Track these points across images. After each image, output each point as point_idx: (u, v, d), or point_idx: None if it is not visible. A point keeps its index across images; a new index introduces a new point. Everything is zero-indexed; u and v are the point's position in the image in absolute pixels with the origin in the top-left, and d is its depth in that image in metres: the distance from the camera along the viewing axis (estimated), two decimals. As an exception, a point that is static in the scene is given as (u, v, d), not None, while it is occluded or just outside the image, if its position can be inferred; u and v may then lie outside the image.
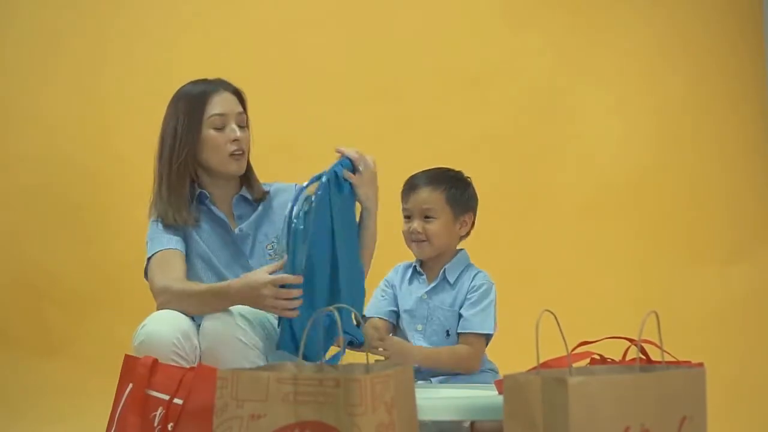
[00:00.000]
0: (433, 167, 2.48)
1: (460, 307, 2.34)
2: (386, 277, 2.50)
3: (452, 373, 2.30)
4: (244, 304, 2.11)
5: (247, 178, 2.44)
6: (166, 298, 2.20)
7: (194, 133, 2.33)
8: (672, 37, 3.67)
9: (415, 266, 2.45)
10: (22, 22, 3.66)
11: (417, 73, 3.63)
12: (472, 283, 2.36)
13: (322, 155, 3.68)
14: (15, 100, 3.65)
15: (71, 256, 3.55)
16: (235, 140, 2.35)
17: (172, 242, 2.32)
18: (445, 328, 2.33)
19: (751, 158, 3.64)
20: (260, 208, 2.42)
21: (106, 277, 3.51)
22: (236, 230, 2.38)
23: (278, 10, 3.69)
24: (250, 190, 2.44)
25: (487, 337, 2.34)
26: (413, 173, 2.47)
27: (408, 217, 2.41)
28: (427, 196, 2.38)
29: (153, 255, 2.31)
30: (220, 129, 2.34)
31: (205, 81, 2.41)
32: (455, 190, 2.41)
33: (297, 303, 2.04)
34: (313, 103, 3.60)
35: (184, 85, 2.42)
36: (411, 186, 2.42)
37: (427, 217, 2.37)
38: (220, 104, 2.35)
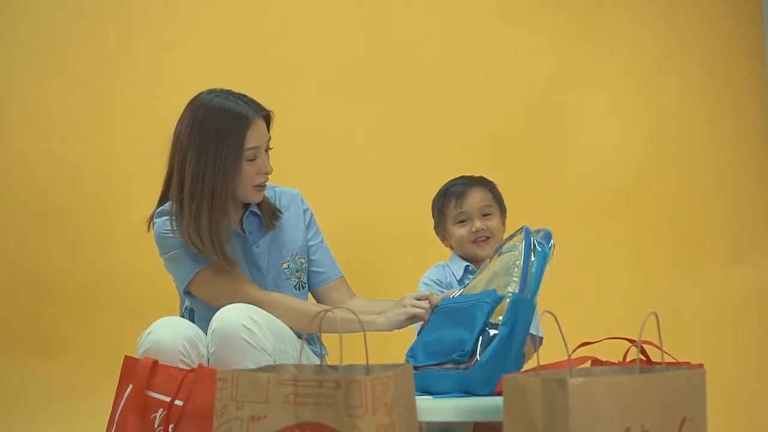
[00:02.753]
0: (460, 175, 2.55)
1: None
2: (432, 277, 2.50)
3: None
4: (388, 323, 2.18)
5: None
6: (278, 312, 2.19)
7: (236, 168, 2.25)
8: (672, 37, 3.67)
9: (467, 266, 2.47)
10: (21, 22, 3.66)
11: (417, 73, 3.63)
12: None
13: (322, 155, 3.69)
14: (14, 101, 3.64)
15: (70, 257, 3.54)
16: (265, 173, 2.32)
17: (203, 260, 2.27)
18: None
19: (751, 159, 3.64)
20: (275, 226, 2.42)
21: (104, 279, 3.51)
22: (254, 246, 2.38)
23: (277, 11, 3.68)
24: (259, 206, 2.40)
25: (534, 340, 2.31)
26: (443, 187, 2.52)
27: (463, 221, 2.46)
28: (483, 195, 2.48)
29: (197, 276, 2.28)
30: (251, 160, 2.28)
31: (236, 102, 2.28)
32: (496, 191, 2.53)
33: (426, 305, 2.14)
34: (313, 103, 3.60)
35: (210, 100, 2.28)
36: (460, 192, 2.48)
37: (485, 214, 2.46)
38: (255, 137, 2.27)
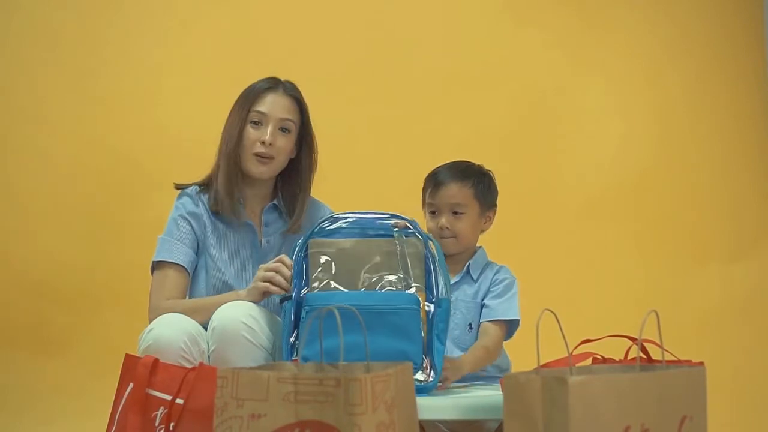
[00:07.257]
0: (454, 161, 2.43)
1: (483, 299, 2.31)
2: None
3: (492, 377, 2.27)
4: (249, 295, 2.15)
5: (291, 193, 2.42)
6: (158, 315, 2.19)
7: (239, 125, 2.32)
8: (674, 36, 3.68)
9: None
10: (20, 21, 3.66)
11: (418, 71, 3.63)
12: (496, 276, 2.33)
13: (321, 154, 3.68)
14: (14, 99, 3.65)
15: (71, 255, 3.54)
16: (263, 142, 2.32)
17: (181, 253, 2.31)
18: (468, 322, 2.30)
19: (752, 157, 3.64)
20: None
21: (105, 277, 3.51)
22: (263, 241, 2.38)
23: (277, 10, 3.68)
24: (285, 201, 2.42)
25: (511, 325, 2.29)
26: (435, 167, 2.42)
27: (433, 213, 2.36)
28: (456, 191, 2.33)
29: (157, 264, 2.31)
30: (256, 126, 2.33)
31: (275, 80, 2.40)
32: (482, 185, 2.37)
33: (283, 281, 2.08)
34: (312, 103, 3.60)
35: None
36: (437, 181, 2.37)
37: (455, 212, 2.33)
38: (267, 103, 2.34)
